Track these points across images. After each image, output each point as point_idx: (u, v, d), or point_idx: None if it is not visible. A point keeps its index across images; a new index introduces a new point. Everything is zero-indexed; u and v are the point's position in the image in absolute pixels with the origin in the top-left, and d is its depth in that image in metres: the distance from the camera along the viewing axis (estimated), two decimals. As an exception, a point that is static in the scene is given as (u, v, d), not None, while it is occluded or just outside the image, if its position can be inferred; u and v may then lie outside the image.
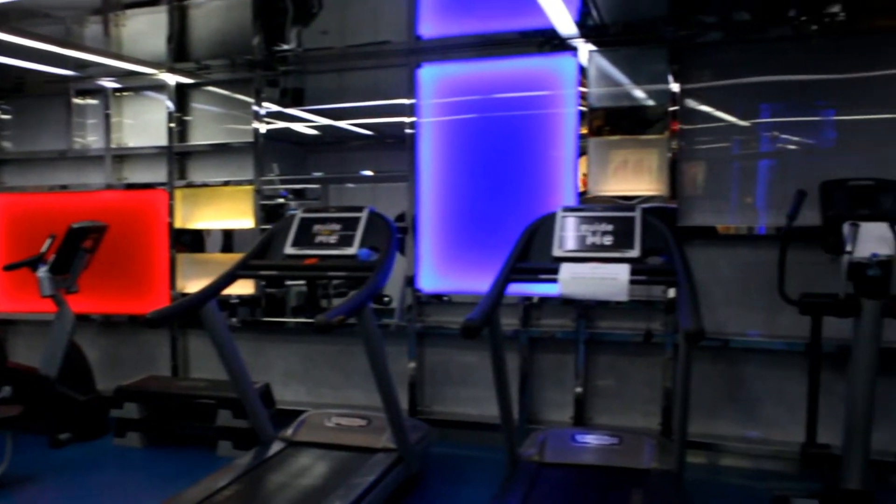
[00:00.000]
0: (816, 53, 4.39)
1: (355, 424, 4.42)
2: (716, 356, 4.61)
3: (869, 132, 4.33)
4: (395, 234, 3.92)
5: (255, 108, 5.55)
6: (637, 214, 3.60)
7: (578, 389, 4.80)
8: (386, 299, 5.92)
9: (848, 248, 3.43)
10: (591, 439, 4.07)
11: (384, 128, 5.67)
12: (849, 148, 4.37)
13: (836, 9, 4.28)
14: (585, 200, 4.67)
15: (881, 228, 3.48)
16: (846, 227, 3.49)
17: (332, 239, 4.02)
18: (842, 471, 3.67)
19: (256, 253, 4.09)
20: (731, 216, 4.57)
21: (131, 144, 6.05)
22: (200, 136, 5.89)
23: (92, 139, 6.17)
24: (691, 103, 4.60)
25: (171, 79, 5.76)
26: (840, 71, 4.36)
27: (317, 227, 4.10)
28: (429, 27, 5.06)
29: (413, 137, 5.07)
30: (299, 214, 4.18)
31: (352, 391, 5.35)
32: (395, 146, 5.20)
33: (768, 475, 4.38)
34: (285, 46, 5.49)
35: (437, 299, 5.13)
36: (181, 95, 5.86)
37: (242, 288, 5.48)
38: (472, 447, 4.91)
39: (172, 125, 5.80)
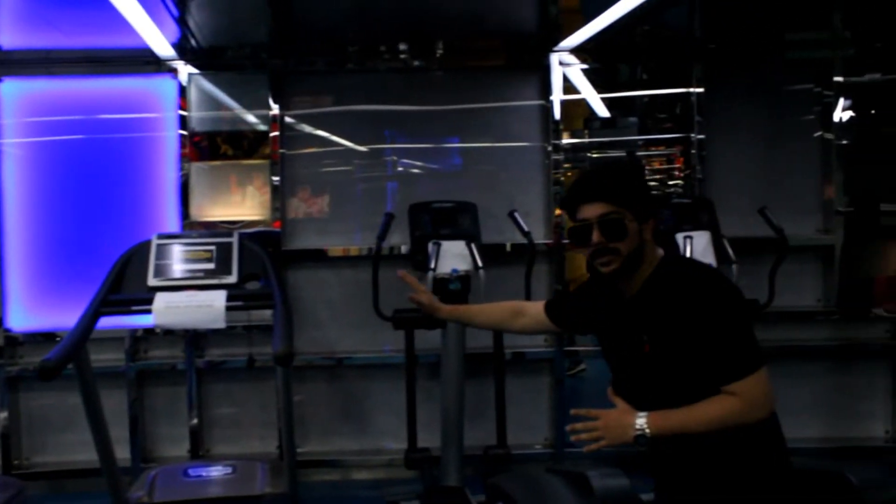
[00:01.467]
0: (431, 86, 4.78)
1: (-75, 494, 3.83)
2: (330, 375, 4.76)
3: (484, 158, 4.82)
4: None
5: None
6: (234, 240, 3.58)
7: (194, 421, 4.64)
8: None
9: (431, 264, 3.75)
10: (204, 472, 3.96)
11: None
12: (468, 173, 4.81)
13: (439, 47, 4.70)
14: (189, 226, 4.55)
15: (460, 246, 3.86)
16: (430, 246, 3.81)
17: None
18: (440, 469, 4.00)
19: None
20: (344, 238, 4.75)
21: None
22: None
23: None
24: (301, 128, 4.73)
25: None
26: (454, 102, 4.78)
27: None
28: (11, 37, 4.58)
29: (-6, 159, 4.56)
30: None
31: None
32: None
33: (383, 483, 4.59)
34: None
35: (41, 337, 4.62)
36: None
37: None
38: (86, 496, 4.48)
39: None
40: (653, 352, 1.88)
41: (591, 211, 1.89)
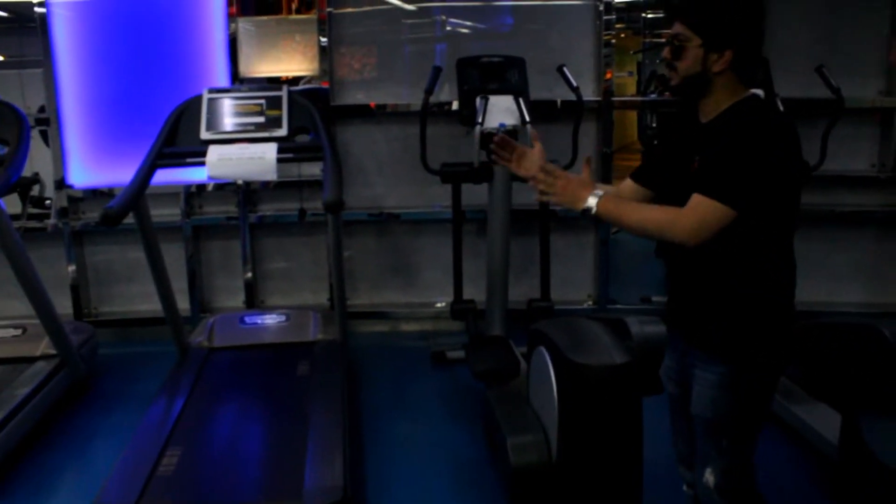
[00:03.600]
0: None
1: (9, 335, 4.12)
2: (379, 231, 4.88)
3: (534, 18, 4.70)
4: (26, 125, 3.58)
5: None
6: (284, 94, 3.62)
7: (248, 274, 4.84)
8: (48, 202, 5.45)
9: (479, 119, 3.75)
10: (260, 320, 4.19)
11: (22, 9, 5.06)
12: (518, 32, 4.71)
13: None
14: (239, 82, 4.58)
15: (507, 101, 3.84)
16: (478, 101, 3.79)
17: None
18: (485, 321, 4.15)
19: None
20: (392, 95, 4.73)
21: None
22: None
23: None
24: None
25: None
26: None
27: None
28: None
29: (45, 20, 4.57)
30: None
31: (8, 302, 4.86)
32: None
33: (430, 334, 4.82)
34: None
35: (96, 194, 4.80)
36: None
37: None
38: (149, 343, 4.76)
39: None
40: (698, 171, 1.91)
41: (672, 27, 1.96)
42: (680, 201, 1.90)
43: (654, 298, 5.00)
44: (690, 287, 2.05)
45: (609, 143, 4.71)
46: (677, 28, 1.93)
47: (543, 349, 2.65)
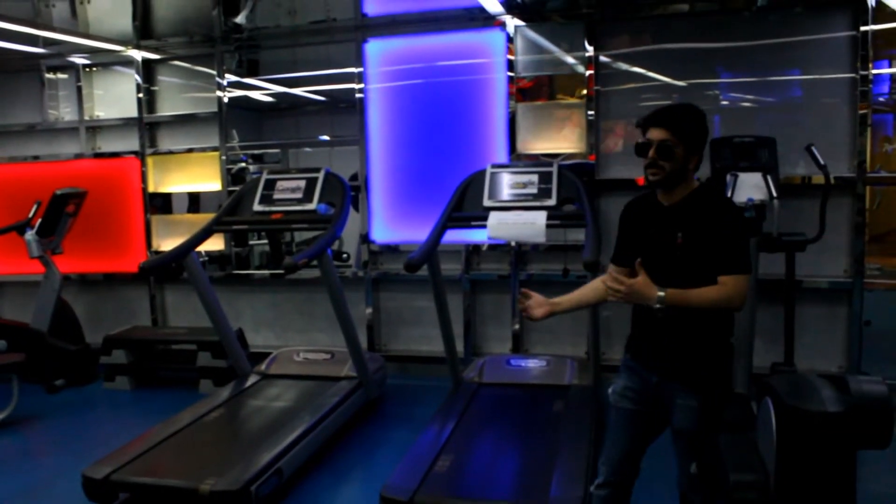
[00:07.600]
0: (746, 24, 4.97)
1: (320, 358, 5.05)
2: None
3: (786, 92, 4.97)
4: (348, 191, 4.51)
5: (218, 79, 5.97)
6: (554, 169, 4.24)
7: (516, 326, 5.47)
8: (345, 256, 6.50)
9: (728, 193, 4.09)
10: (523, 363, 4.77)
11: (336, 94, 6.17)
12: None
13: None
14: (515, 158, 5.27)
15: (756, 178, 4.14)
16: (728, 177, 4.15)
17: (295, 196, 4.58)
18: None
19: (228, 211, 4.66)
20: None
21: (103, 116, 6.47)
22: (168, 107, 6.32)
23: (65, 111, 6.57)
24: (616, 67, 5.19)
25: (138, 54, 6.15)
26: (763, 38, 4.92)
27: (280, 187, 4.66)
28: (373, 5, 5.57)
29: (362, 103, 5.61)
30: (265, 176, 4.73)
31: (317, 334, 5.93)
32: (348, 111, 5.72)
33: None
34: (240, 21, 5.92)
35: (390, 249, 5.71)
36: (148, 70, 6.27)
37: (211, 245, 5.95)
38: (426, 378, 5.56)
39: (141, 96, 6.22)
40: (684, 243, 2.44)
41: (655, 134, 2.44)
42: (667, 268, 2.44)
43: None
44: (675, 337, 2.52)
45: (862, 217, 4.76)
46: (661, 135, 2.42)
47: (768, 399, 2.94)
